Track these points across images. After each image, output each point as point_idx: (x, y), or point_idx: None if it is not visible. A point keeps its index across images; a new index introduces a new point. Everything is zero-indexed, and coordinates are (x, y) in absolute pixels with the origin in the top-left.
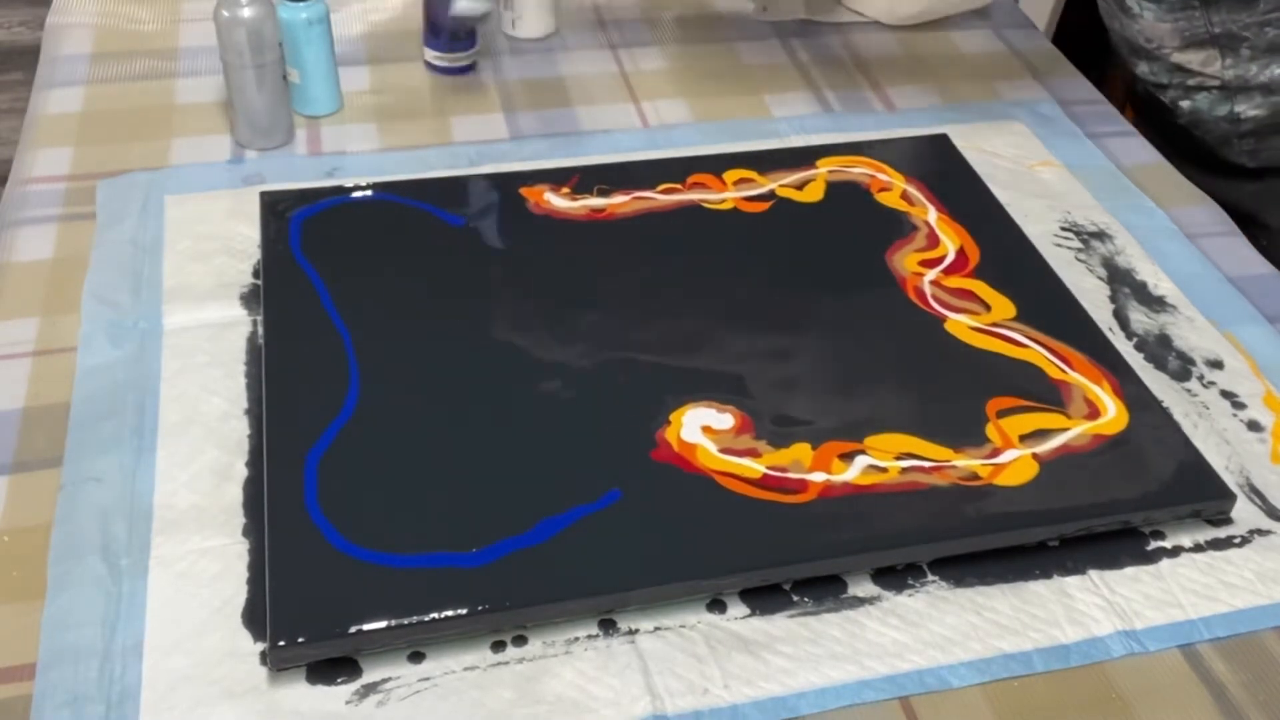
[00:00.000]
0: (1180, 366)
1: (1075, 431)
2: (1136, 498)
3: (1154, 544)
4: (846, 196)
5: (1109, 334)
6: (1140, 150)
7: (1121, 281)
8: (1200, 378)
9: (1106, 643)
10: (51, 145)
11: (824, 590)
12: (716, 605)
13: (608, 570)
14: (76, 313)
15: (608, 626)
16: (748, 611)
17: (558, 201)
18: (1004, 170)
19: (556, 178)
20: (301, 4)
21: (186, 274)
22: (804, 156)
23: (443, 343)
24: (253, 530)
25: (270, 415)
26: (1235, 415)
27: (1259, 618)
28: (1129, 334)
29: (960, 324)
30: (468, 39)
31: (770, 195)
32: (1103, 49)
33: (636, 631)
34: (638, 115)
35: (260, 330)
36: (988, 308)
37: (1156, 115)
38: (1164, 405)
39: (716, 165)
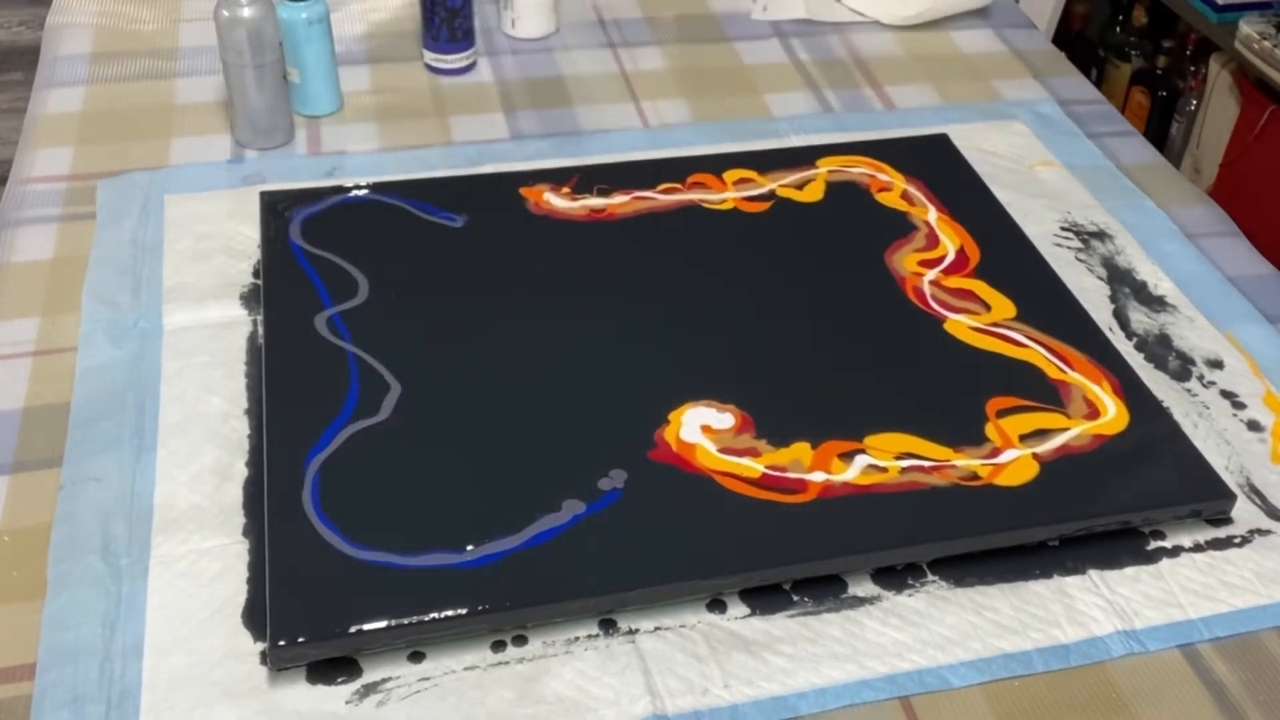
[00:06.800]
0: (1180, 366)
1: (1075, 431)
2: (1136, 497)
3: (1154, 544)
4: (846, 196)
5: (1109, 334)
6: (1140, 150)
7: (1121, 281)
8: (1200, 378)
9: (1106, 642)
10: (51, 145)
11: (824, 590)
12: (716, 605)
13: (608, 570)
14: (76, 313)
15: (608, 626)
16: (748, 611)
17: (558, 201)
18: (1004, 170)
19: (556, 178)
20: (301, 4)
21: (186, 274)
22: (804, 156)
23: (442, 343)
24: (253, 530)
25: (270, 415)
26: (1235, 415)
27: (1259, 618)
28: (1129, 334)
29: (960, 324)
30: (466, 39)
31: (770, 195)
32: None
33: (636, 631)
34: (638, 115)
35: (260, 330)
36: (988, 308)
37: None
38: (1164, 405)
39: (716, 165)
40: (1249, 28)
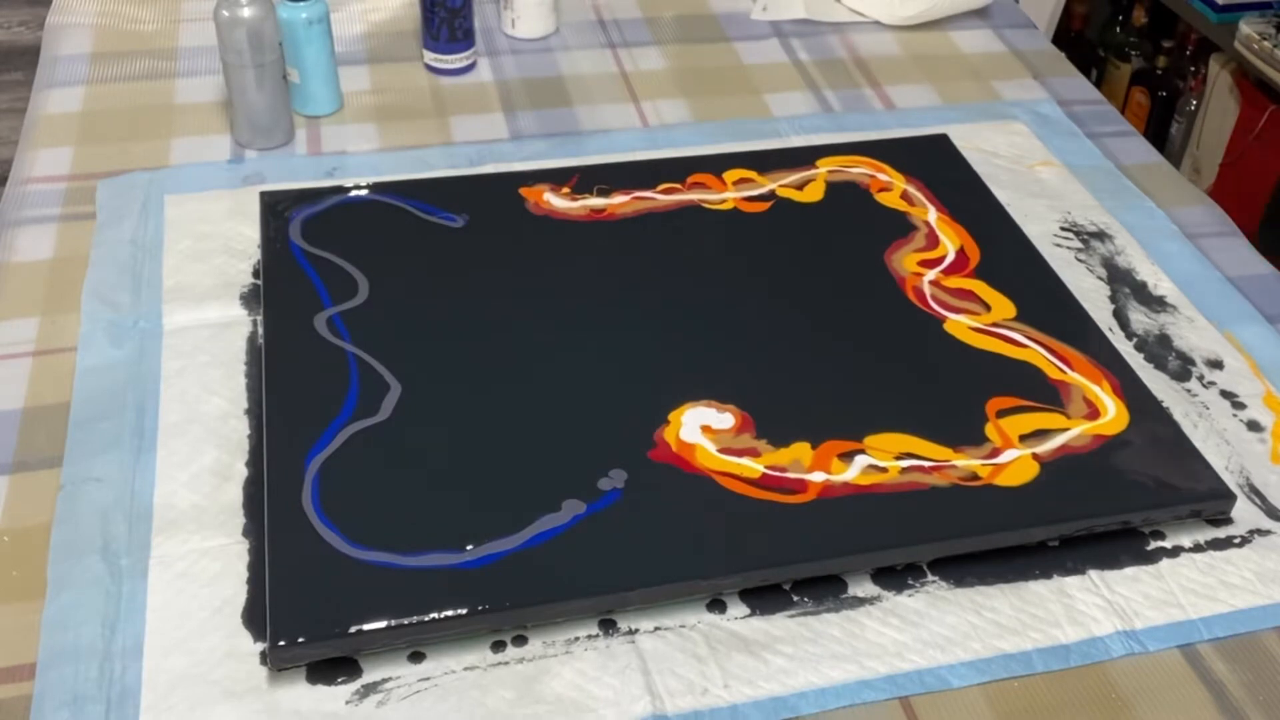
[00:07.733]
0: (1180, 366)
1: (1075, 431)
2: (1136, 498)
3: (1154, 544)
4: (846, 196)
5: (1109, 334)
6: (1140, 150)
7: (1121, 281)
8: (1200, 378)
9: (1106, 643)
10: (51, 145)
11: (824, 590)
12: (716, 605)
13: (608, 570)
14: (76, 313)
15: (608, 626)
16: (748, 611)
17: (558, 201)
18: (1004, 170)
19: (556, 178)
20: (301, 4)
21: (186, 274)
22: (804, 156)
23: (442, 343)
24: (253, 530)
25: (270, 415)
26: (1235, 415)
27: (1259, 618)
28: (1129, 334)
29: (960, 324)
30: (466, 39)
31: (770, 195)
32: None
33: (636, 631)
34: (638, 115)
35: (260, 330)
36: (988, 308)
37: None
38: (1164, 405)
39: (716, 165)
40: (1249, 28)
